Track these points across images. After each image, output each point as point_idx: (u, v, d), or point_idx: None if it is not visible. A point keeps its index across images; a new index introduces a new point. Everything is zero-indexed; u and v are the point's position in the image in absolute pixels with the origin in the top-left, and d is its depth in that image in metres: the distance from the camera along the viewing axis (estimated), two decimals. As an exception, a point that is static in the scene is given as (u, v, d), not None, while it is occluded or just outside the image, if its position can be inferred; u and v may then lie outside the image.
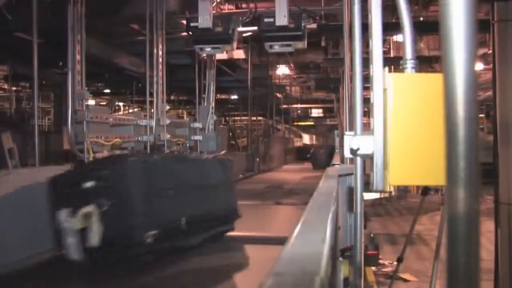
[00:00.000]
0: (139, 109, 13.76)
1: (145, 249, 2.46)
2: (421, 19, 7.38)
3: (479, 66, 10.26)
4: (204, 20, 4.01)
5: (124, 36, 7.99)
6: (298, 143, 24.38)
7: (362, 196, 1.68)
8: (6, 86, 12.51)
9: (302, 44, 4.11)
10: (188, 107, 17.37)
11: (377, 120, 1.46)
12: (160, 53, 5.32)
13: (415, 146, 1.38)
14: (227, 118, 18.50)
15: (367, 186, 1.54)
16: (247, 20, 4.38)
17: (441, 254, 4.26)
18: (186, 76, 7.77)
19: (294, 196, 5.71)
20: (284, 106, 18.32)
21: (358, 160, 1.61)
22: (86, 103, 4.09)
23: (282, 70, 13.46)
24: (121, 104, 16.60)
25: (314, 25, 6.39)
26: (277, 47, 4.12)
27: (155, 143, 5.14)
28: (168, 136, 5.24)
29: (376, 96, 1.48)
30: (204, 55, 6.11)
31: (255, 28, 4.74)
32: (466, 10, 0.59)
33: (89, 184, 2.47)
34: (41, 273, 2.61)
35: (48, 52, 5.77)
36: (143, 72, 6.67)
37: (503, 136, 4.39)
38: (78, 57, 4.19)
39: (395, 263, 5.38)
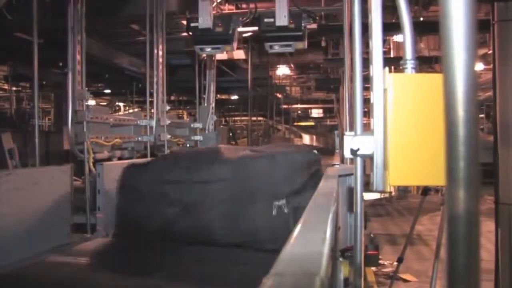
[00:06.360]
0: (139, 109, 13.76)
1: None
2: (421, 19, 7.37)
3: (479, 66, 10.26)
4: (204, 21, 4.01)
5: (125, 36, 7.99)
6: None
7: (362, 197, 1.68)
8: (6, 87, 12.51)
9: (302, 45, 4.10)
10: (188, 107, 17.37)
11: (377, 120, 1.46)
12: (160, 53, 5.31)
13: (415, 146, 1.38)
14: (227, 118, 18.49)
15: (367, 186, 1.54)
16: (247, 20, 4.37)
17: (441, 255, 4.26)
18: (186, 76, 7.77)
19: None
20: (284, 106, 18.30)
21: (358, 160, 1.60)
22: (86, 103, 4.09)
23: (282, 70, 13.45)
24: (121, 104, 16.59)
25: (314, 25, 6.38)
26: (277, 48, 4.11)
27: (155, 144, 5.14)
28: (168, 136, 5.24)
29: (376, 97, 1.47)
30: (204, 55, 6.11)
31: (255, 28, 4.74)
32: (466, 10, 0.59)
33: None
34: (43, 273, 2.61)
35: (48, 52, 5.77)
36: (143, 72, 6.67)
37: (503, 136, 4.39)
38: (78, 57, 4.20)
39: (395, 263, 5.38)
